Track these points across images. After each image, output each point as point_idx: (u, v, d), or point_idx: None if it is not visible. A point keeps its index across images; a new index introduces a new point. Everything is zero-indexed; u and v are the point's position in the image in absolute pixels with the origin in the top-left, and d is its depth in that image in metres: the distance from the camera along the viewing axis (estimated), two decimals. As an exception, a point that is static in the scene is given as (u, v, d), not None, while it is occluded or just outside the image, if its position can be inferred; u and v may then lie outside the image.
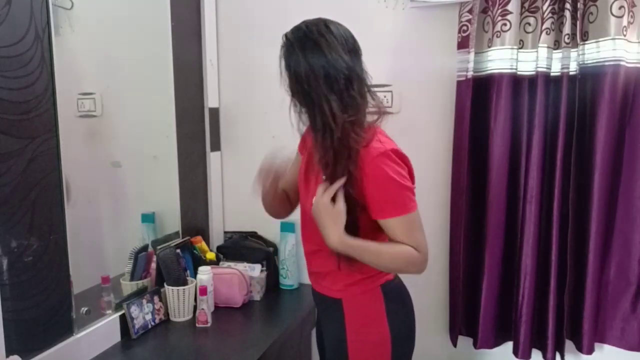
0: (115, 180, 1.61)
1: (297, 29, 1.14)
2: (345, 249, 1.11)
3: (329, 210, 1.10)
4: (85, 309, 1.37)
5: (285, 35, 1.15)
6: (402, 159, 1.14)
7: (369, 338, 1.19)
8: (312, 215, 1.14)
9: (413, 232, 1.13)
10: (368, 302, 1.20)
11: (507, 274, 1.65)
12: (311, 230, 1.19)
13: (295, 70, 1.12)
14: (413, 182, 1.17)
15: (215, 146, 2.02)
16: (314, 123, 1.12)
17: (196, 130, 1.93)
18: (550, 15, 1.49)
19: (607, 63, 1.44)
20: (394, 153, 1.11)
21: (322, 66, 1.08)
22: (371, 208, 1.12)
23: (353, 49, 1.13)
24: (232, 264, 1.81)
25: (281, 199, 1.37)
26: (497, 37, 1.54)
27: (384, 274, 1.21)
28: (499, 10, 1.53)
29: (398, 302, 1.23)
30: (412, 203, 1.12)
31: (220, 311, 1.68)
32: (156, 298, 1.58)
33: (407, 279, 1.28)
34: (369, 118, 1.17)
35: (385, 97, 1.73)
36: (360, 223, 1.14)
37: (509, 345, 1.67)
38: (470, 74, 1.58)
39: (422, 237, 1.14)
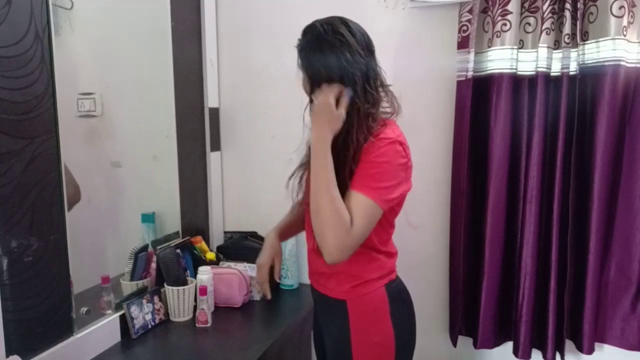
0: (115, 180, 1.61)
1: (310, 28, 1.13)
2: (321, 152, 1.07)
3: (331, 111, 1.07)
4: (85, 309, 1.37)
5: (301, 34, 1.15)
6: (407, 155, 1.13)
7: (373, 338, 1.19)
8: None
9: (361, 215, 1.06)
10: (372, 303, 1.20)
11: (507, 274, 1.65)
12: None
13: (312, 71, 1.12)
14: (409, 183, 1.17)
15: (215, 146, 2.02)
16: None
17: (196, 130, 1.93)
18: (550, 15, 1.49)
19: (607, 63, 1.44)
20: (401, 145, 1.11)
21: (339, 65, 1.08)
22: (352, 179, 1.10)
23: (369, 45, 1.14)
24: (232, 264, 1.81)
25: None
26: (497, 37, 1.54)
27: (386, 274, 1.21)
28: (499, 10, 1.53)
29: (400, 302, 1.23)
30: (383, 202, 1.08)
31: (220, 311, 1.68)
32: (156, 298, 1.58)
33: (406, 279, 1.28)
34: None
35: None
36: None
37: (509, 345, 1.67)
38: (470, 74, 1.58)
39: (363, 226, 1.07)
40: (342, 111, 1.09)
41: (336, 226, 1.05)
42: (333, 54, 1.09)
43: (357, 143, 1.10)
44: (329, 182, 1.06)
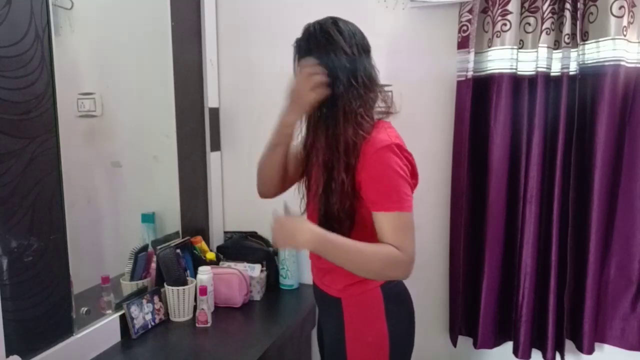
0: (115, 180, 1.61)
1: (305, 29, 1.17)
2: (321, 244, 1.08)
3: (285, 225, 1.10)
4: (85, 309, 1.37)
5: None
6: (406, 155, 1.14)
7: (367, 338, 1.19)
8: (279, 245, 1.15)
9: (401, 232, 1.09)
10: (367, 302, 1.20)
11: (507, 274, 1.65)
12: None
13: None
14: (416, 180, 1.18)
15: (215, 146, 2.02)
16: (320, 118, 1.15)
17: (196, 130, 1.93)
18: (550, 15, 1.49)
19: (607, 63, 1.44)
20: (398, 147, 1.11)
21: (325, 63, 1.11)
22: (367, 199, 1.11)
23: (361, 44, 1.15)
24: (232, 264, 1.81)
25: (281, 165, 1.29)
26: (497, 37, 1.54)
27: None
28: (499, 10, 1.53)
29: (397, 302, 1.23)
30: (407, 203, 1.10)
31: (220, 311, 1.68)
32: (156, 298, 1.58)
33: (406, 279, 1.27)
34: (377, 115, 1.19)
35: (385, 97, 1.73)
36: (357, 218, 1.14)
37: (509, 345, 1.67)
38: (470, 74, 1.58)
39: (409, 240, 1.10)
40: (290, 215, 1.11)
41: (393, 265, 1.08)
42: (318, 52, 1.12)
43: (345, 136, 1.11)
44: (358, 250, 1.08)
